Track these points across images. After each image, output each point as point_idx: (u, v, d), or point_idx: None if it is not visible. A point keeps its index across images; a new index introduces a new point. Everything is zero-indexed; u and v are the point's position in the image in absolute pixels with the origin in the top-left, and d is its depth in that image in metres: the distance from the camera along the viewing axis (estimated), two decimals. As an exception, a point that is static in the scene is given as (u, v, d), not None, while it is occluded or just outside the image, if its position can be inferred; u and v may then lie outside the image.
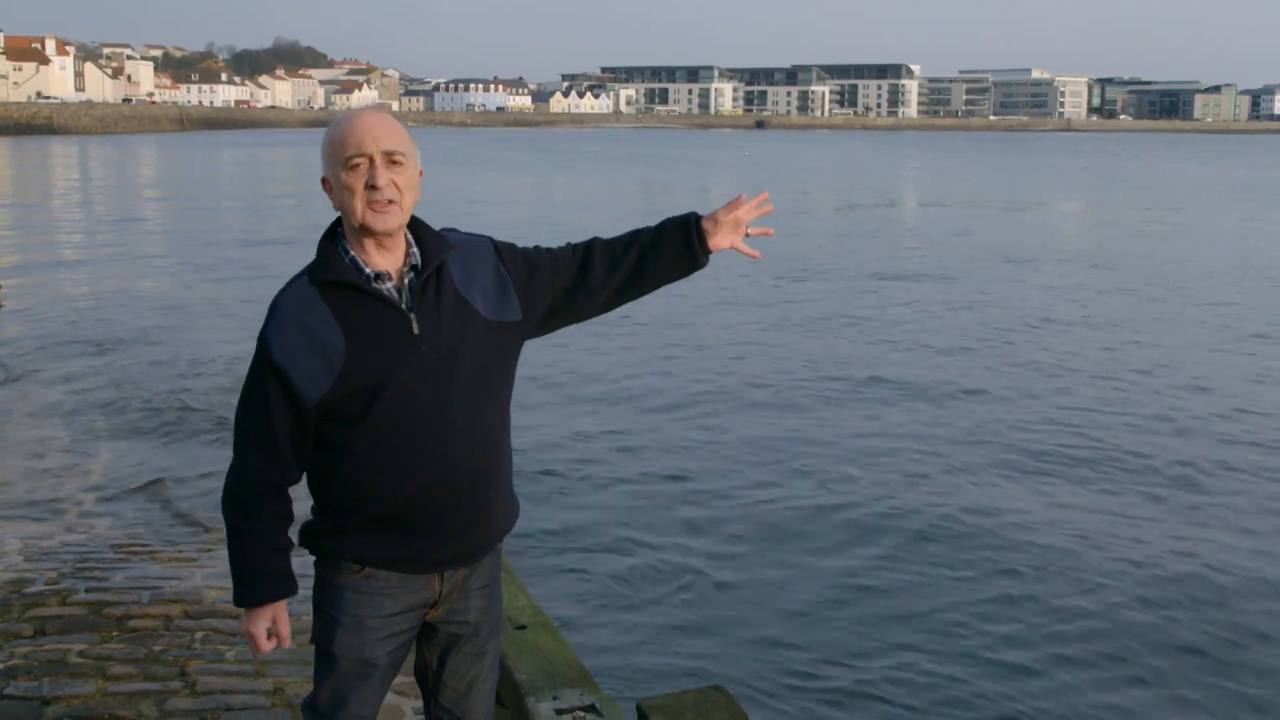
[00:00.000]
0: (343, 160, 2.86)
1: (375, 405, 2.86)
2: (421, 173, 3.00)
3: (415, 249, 2.98)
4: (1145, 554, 8.99)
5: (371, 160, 2.86)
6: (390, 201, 2.86)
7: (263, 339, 2.90)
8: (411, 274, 2.94)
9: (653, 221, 3.17)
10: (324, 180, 2.95)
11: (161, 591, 6.24)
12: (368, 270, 2.91)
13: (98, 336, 17.03)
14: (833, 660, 7.11)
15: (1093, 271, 26.76)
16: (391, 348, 2.86)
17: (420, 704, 4.49)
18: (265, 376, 2.88)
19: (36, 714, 4.80)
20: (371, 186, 2.84)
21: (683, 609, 7.86)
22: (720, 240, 3.14)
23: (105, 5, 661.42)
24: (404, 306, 2.90)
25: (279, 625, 3.03)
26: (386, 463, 2.89)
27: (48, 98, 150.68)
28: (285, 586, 3.01)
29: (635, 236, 3.16)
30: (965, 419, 13.06)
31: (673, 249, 3.13)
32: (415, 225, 3.02)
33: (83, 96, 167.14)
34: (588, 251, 3.14)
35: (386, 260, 2.93)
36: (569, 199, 51.93)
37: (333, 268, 2.91)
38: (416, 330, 2.88)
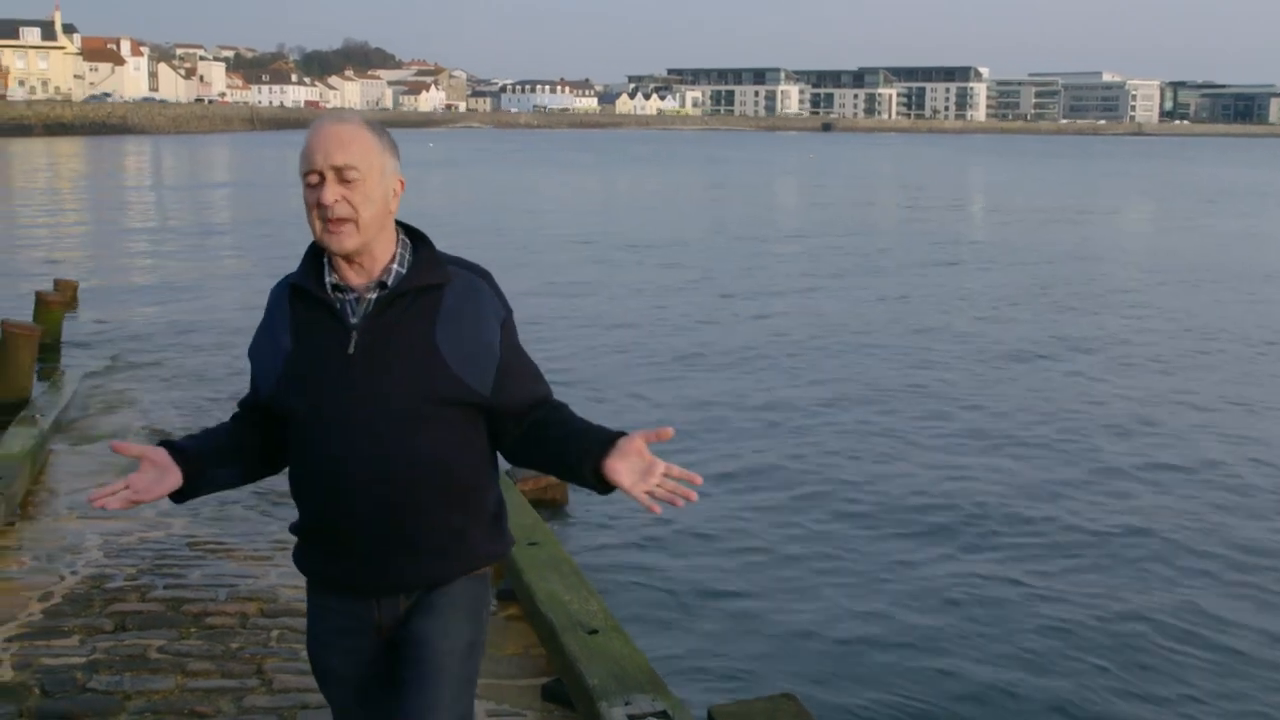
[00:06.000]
0: (301, 175, 2.78)
1: (300, 415, 2.84)
2: (404, 184, 2.87)
3: (399, 267, 2.83)
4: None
5: (323, 176, 2.74)
6: (342, 219, 2.73)
7: None
8: (380, 290, 2.81)
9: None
10: None
11: (237, 589, 6.33)
12: (330, 279, 2.83)
13: (176, 336, 17.26)
14: (908, 671, 7.00)
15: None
16: (322, 361, 2.81)
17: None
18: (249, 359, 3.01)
19: (119, 708, 4.90)
20: (319, 204, 2.74)
21: (756, 614, 7.80)
22: (618, 466, 2.77)
23: (179, 7, 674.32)
24: (351, 322, 2.81)
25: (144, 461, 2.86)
26: (303, 475, 2.91)
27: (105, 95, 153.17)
28: (180, 446, 2.91)
29: (579, 429, 2.88)
30: (1055, 430, 12.90)
31: (581, 442, 2.83)
32: (420, 244, 2.89)
33: (156, 96, 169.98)
34: (545, 409, 2.92)
35: (354, 274, 2.82)
36: (635, 202, 51.90)
37: (300, 271, 2.89)
38: (352, 350, 2.79)
